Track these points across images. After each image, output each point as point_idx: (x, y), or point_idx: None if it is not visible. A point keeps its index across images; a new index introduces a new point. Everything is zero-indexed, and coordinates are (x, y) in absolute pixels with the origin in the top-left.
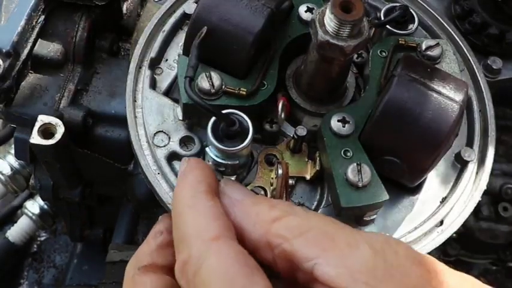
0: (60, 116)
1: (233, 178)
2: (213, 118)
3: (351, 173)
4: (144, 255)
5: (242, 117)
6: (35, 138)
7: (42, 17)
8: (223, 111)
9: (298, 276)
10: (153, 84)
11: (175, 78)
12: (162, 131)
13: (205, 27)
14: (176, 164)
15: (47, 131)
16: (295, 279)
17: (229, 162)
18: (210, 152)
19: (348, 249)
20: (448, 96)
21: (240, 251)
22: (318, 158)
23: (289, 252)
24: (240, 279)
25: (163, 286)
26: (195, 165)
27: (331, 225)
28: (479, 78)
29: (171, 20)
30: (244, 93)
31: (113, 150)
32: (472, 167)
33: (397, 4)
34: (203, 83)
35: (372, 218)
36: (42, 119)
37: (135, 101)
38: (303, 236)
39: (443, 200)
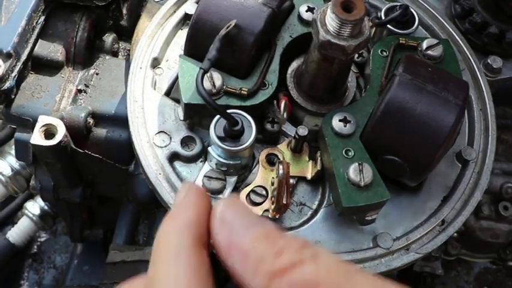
0: (60, 117)
1: (234, 178)
2: (217, 117)
3: (352, 172)
4: None
5: (245, 117)
6: (36, 139)
7: (43, 17)
8: (227, 111)
9: None
10: (154, 85)
11: (176, 78)
12: (163, 131)
13: (235, 20)
14: (177, 164)
15: (47, 132)
16: None
17: (231, 162)
18: (213, 151)
19: None
20: (449, 96)
21: None
22: (319, 158)
23: None
24: None
25: None
26: (190, 200)
27: (345, 276)
28: (480, 78)
29: (172, 21)
30: (245, 93)
31: (114, 150)
32: (472, 166)
33: (398, 4)
34: (204, 82)
35: (373, 217)
36: (43, 119)
37: (136, 101)
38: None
39: (445, 199)
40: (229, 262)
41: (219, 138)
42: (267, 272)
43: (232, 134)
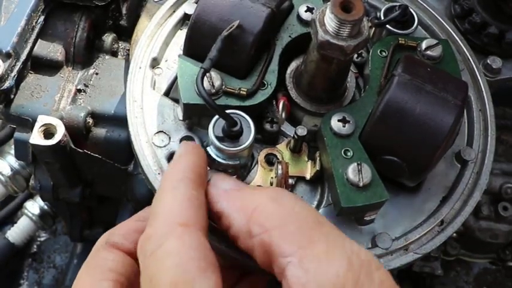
0: (60, 117)
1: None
2: (215, 117)
3: (351, 172)
4: (119, 233)
5: (245, 118)
6: (35, 139)
7: (42, 17)
8: (226, 111)
9: (274, 268)
10: (153, 85)
11: (175, 78)
12: (162, 131)
13: (238, 21)
14: None
15: (47, 132)
16: (271, 270)
17: (230, 163)
18: (211, 151)
19: (324, 257)
20: (448, 96)
21: (202, 243)
22: (318, 158)
23: (268, 244)
24: (193, 269)
25: (122, 266)
26: (190, 150)
27: (315, 222)
28: (479, 78)
29: (171, 21)
30: (244, 93)
31: (113, 150)
32: (472, 167)
33: (397, 4)
34: (203, 83)
35: (372, 217)
36: (42, 119)
37: (135, 101)
38: (282, 228)
39: (444, 200)
40: (219, 205)
41: (218, 138)
42: (248, 207)
43: (231, 134)
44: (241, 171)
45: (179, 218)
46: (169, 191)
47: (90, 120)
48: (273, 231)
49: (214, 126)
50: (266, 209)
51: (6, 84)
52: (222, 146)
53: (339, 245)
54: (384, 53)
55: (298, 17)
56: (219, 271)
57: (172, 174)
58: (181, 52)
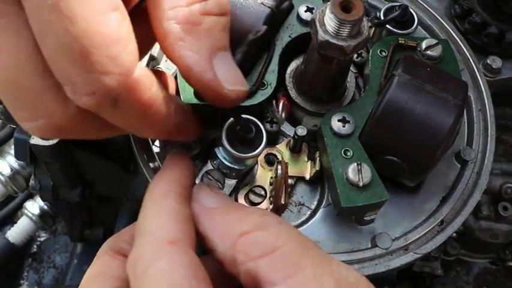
0: None
1: (234, 181)
2: (230, 120)
3: (351, 172)
4: (123, 239)
5: (258, 125)
6: (35, 139)
7: None
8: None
9: None
10: None
11: (175, 78)
12: None
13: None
14: None
15: None
16: None
17: (235, 167)
18: (219, 153)
19: (312, 282)
20: (448, 96)
21: (193, 260)
22: (317, 158)
23: (254, 272)
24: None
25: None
26: (176, 161)
27: (301, 247)
28: (479, 78)
29: None
30: None
31: (113, 150)
32: (471, 167)
33: (397, 4)
34: None
35: (372, 217)
36: None
37: None
38: (268, 256)
39: (444, 200)
40: (201, 226)
41: (229, 142)
42: (232, 234)
43: (243, 140)
44: (242, 177)
45: (167, 236)
46: (154, 207)
47: None
48: (259, 260)
49: (227, 129)
50: (251, 236)
51: None
52: (232, 150)
53: (326, 268)
54: (383, 53)
55: (298, 17)
56: (211, 286)
57: (156, 188)
58: None
